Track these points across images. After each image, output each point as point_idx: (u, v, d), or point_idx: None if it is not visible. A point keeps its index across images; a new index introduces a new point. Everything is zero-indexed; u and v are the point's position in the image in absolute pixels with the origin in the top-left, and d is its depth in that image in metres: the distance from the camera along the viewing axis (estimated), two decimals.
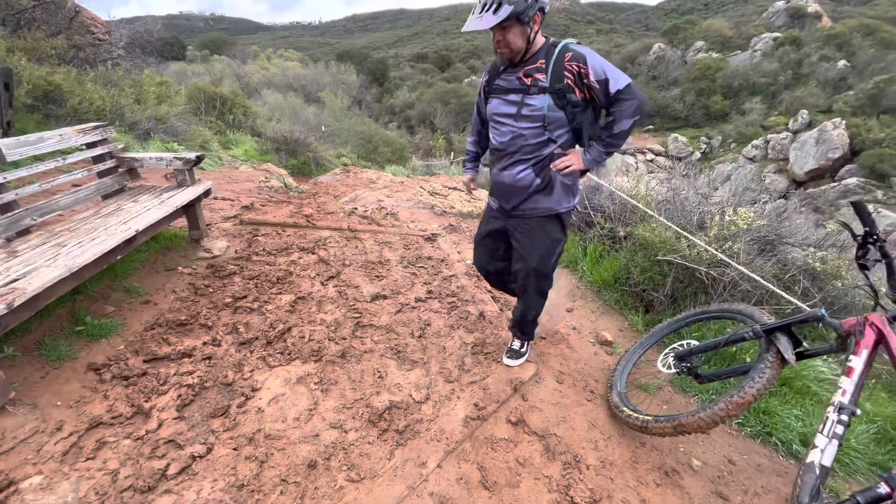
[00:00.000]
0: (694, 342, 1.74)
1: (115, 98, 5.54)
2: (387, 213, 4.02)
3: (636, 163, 23.64)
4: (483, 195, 5.55)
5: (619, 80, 1.48)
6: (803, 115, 19.61)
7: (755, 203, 2.75)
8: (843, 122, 17.56)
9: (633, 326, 2.45)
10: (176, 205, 2.43)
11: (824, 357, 2.06)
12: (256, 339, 2.03)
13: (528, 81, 1.57)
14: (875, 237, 1.24)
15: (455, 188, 5.44)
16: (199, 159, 2.71)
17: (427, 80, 46.66)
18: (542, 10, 1.54)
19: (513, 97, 1.62)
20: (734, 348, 2.01)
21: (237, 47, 44.92)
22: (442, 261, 3.03)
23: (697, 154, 23.24)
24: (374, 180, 6.63)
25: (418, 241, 3.40)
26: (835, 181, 16.99)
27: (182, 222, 2.86)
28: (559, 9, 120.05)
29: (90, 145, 2.53)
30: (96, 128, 2.56)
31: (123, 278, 2.35)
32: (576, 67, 1.50)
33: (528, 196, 1.69)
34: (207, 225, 3.08)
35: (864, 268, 1.29)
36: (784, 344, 1.37)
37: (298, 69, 30.83)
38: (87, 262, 1.76)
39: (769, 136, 20.33)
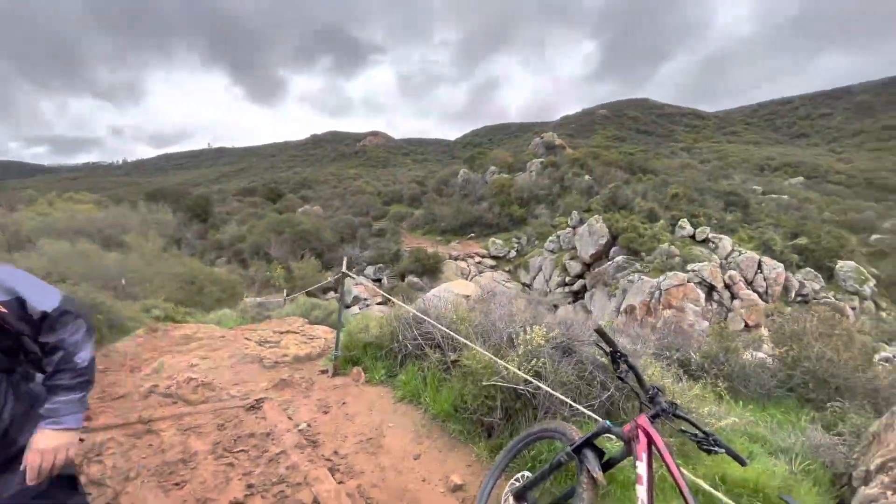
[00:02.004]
0: (528, 474, 1.77)
1: None
2: (199, 384, 3.37)
3: (468, 266, 26.53)
4: (322, 331, 5.26)
5: (45, 298, 1.13)
6: (574, 215, 25.59)
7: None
8: (600, 217, 23.49)
9: (479, 458, 2.42)
10: None
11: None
12: None
13: None
14: (619, 353, 1.53)
15: (289, 331, 5.02)
16: None
17: (257, 213, 45.67)
18: None
19: None
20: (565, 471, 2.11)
21: (2, 193, 36.91)
22: (268, 435, 2.58)
23: (514, 252, 27.51)
24: (191, 337, 5.67)
25: (238, 413, 2.88)
26: (609, 259, 21.97)
27: None
28: (377, 144, 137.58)
29: None
30: None
31: None
32: None
33: None
34: None
35: (621, 379, 1.55)
36: (590, 461, 1.48)
37: (93, 212, 26.68)
38: None
39: (559, 232, 25.63)
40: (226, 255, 30.62)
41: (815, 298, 19.89)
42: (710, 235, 21.59)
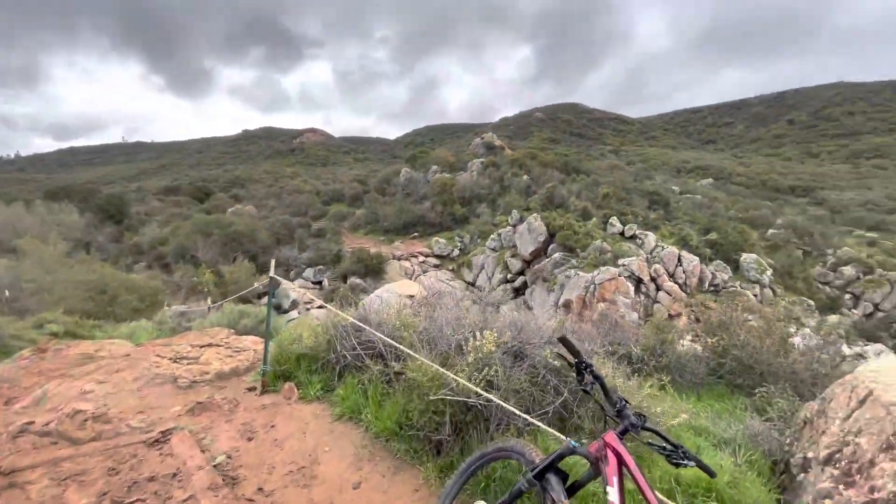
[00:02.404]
0: None
1: None
2: (89, 417, 2.79)
3: (412, 266, 26.23)
4: (251, 342, 4.73)
5: None
6: (514, 213, 26.23)
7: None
8: (539, 215, 24.27)
9: (427, 481, 2.18)
10: None
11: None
12: None
13: None
14: (584, 364, 1.38)
15: (211, 343, 4.44)
16: None
17: (183, 213, 41.95)
18: None
19: None
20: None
21: None
22: (174, 475, 2.15)
23: (457, 251, 27.63)
24: (91, 356, 4.85)
25: (137, 451, 2.39)
26: (548, 256, 22.77)
27: None
28: (316, 142, 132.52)
29: None
30: None
31: None
32: None
33: None
34: None
35: (586, 392, 1.40)
36: (554, 487, 1.32)
37: None
38: None
39: (500, 230, 26.12)
40: (146, 260, 27.72)
41: (724, 287, 22.03)
42: (637, 232, 23.12)
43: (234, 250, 25.85)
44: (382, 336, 2.71)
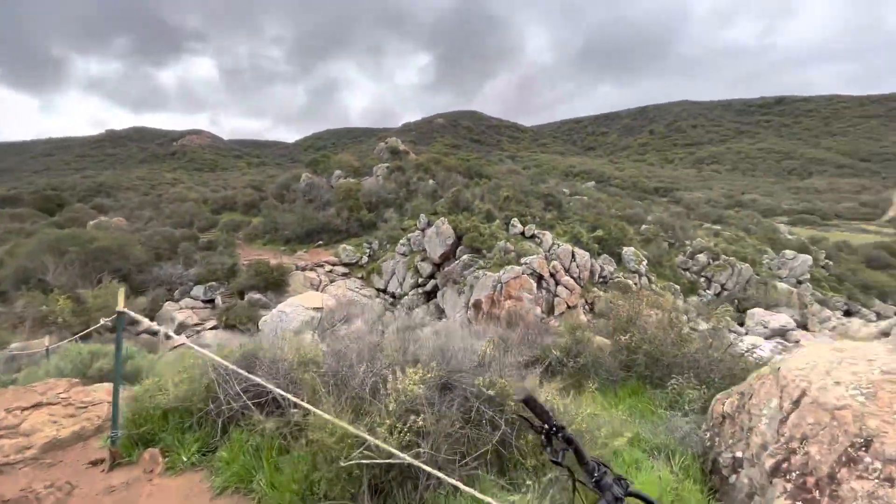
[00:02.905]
0: None
1: None
2: None
3: (318, 276, 24.70)
4: (106, 392, 3.71)
5: None
6: (422, 218, 26.25)
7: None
8: (446, 219, 24.61)
9: None
10: None
11: None
12: None
13: None
14: (555, 427, 1.13)
15: (43, 402, 3.37)
16: None
17: (25, 229, 34.28)
18: None
19: None
20: None
21: None
22: None
23: (366, 258, 26.74)
24: None
25: None
26: (457, 258, 23.17)
27: None
28: (202, 145, 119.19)
29: None
30: None
31: None
32: None
33: None
34: None
35: (557, 463, 1.15)
36: None
37: None
38: None
39: (409, 235, 25.91)
40: None
41: (611, 278, 24.58)
42: (536, 232, 24.68)
43: (99, 270, 21.73)
44: (274, 388, 2.14)
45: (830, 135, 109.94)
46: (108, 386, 3.73)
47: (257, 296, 21.07)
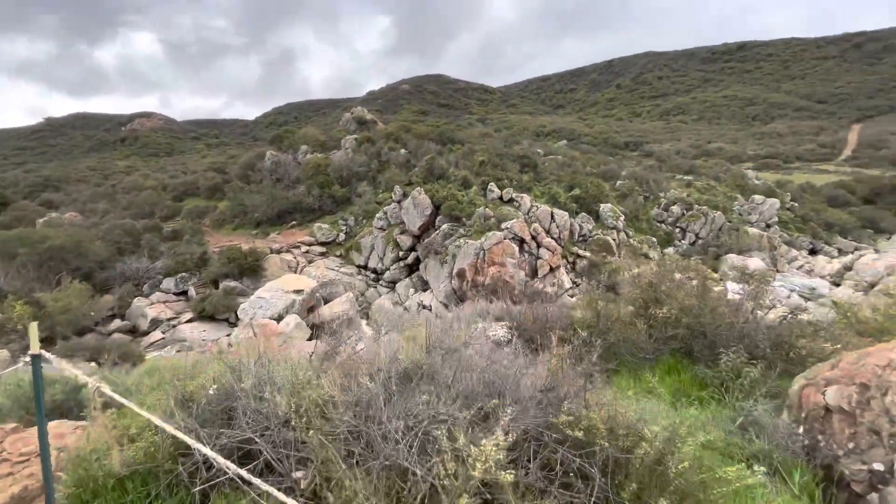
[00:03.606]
0: None
1: None
2: None
3: (295, 258, 24.04)
4: (70, 429, 3.13)
5: None
6: (397, 189, 25.63)
7: None
8: (422, 189, 24.07)
9: None
10: None
11: None
12: None
13: None
14: None
15: None
16: None
17: None
18: None
19: None
20: None
21: None
22: None
23: (343, 235, 26.10)
24: None
25: None
26: (436, 228, 22.86)
27: None
28: (154, 128, 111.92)
29: None
30: None
31: None
32: None
33: None
34: None
35: None
36: None
37: None
38: None
39: (385, 208, 25.32)
40: None
41: (591, 237, 24.88)
42: (514, 195, 24.50)
43: (56, 270, 20.44)
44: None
45: (790, 78, 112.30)
46: (70, 423, 3.22)
47: (233, 283, 20.37)
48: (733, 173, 34.81)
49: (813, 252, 26.77)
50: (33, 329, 2.05)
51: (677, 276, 4.69)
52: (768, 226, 27.52)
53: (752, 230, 25.51)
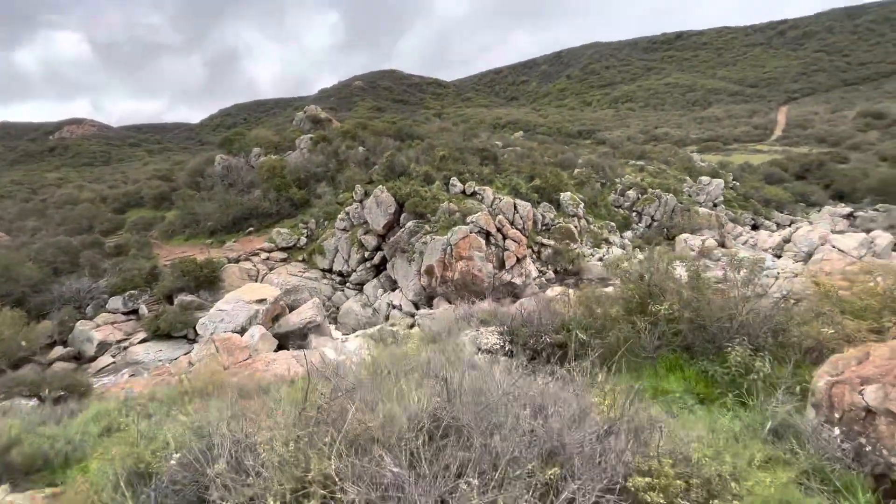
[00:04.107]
0: None
1: None
2: None
3: (255, 266, 23.01)
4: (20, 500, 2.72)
5: None
6: (358, 189, 25.04)
7: None
8: (384, 187, 23.64)
9: None
10: None
11: None
12: None
13: None
14: None
15: None
16: None
17: None
18: None
19: None
20: None
21: None
22: None
23: (304, 239, 25.21)
24: None
25: None
26: (401, 226, 22.55)
27: None
28: (86, 135, 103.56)
29: None
30: None
31: None
32: None
33: None
34: None
35: None
36: None
37: None
38: None
39: (347, 209, 24.68)
40: None
41: (553, 225, 25.41)
42: (477, 189, 24.56)
43: None
44: None
45: (723, 65, 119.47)
46: (17, 497, 2.75)
47: (189, 297, 19.21)
48: (681, 157, 36.63)
49: (755, 227, 28.69)
50: None
51: (664, 266, 4.47)
52: (715, 205, 29.19)
53: (702, 210, 26.97)
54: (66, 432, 3.31)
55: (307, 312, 17.60)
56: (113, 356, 16.48)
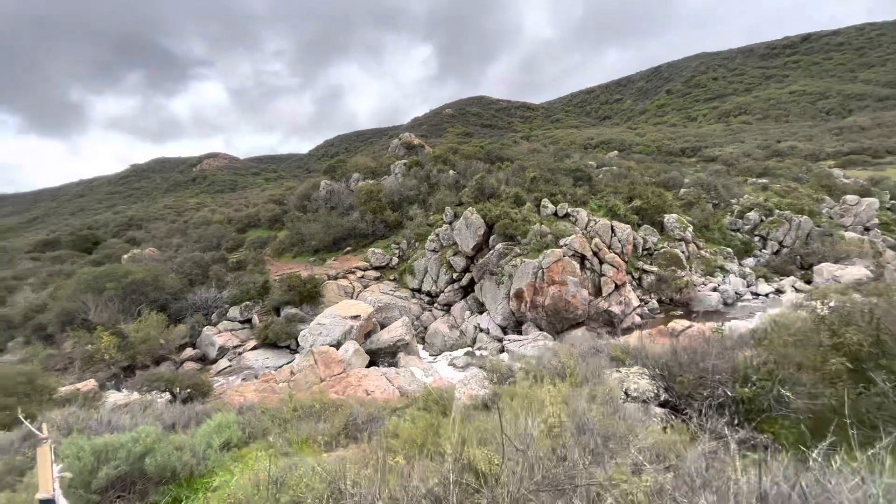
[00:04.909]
0: None
1: None
2: None
3: (351, 283, 24.30)
4: None
5: None
6: (448, 210, 25.41)
7: None
8: (474, 209, 23.67)
9: None
10: None
11: None
12: None
13: None
14: None
15: None
16: None
17: (64, 270, 35.64)
18: None
19: None
20: None
21: None
22: None
23: (396, 259, 26.15)
24: None
25: None
26: (490, 248, 22.23)
27: None
28: (220, 167, 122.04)
29: None
30: None
31: None
32: None
33: None
34: None
35: None
36: None
37: None
38: None
39: (437, 230, 25.12)
40: (21, 335, 22.77)
41: (656, 250, 23.08)
42: (570, 210, 23.40)
43: (137, 303, 22.02)
44: None
45: (867, 66, 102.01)
46: None
47: (293, 310, 20.83)
48: (817, 173, 31.34)
49: None
50: (47, 428, 1.66)
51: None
52: (867, 229, 24.21)
53: (849, 234, 22.49)
54: (192, 442, 3.45)
55: (397, 331, 17.93)
56: (230, 360, 18.33)
